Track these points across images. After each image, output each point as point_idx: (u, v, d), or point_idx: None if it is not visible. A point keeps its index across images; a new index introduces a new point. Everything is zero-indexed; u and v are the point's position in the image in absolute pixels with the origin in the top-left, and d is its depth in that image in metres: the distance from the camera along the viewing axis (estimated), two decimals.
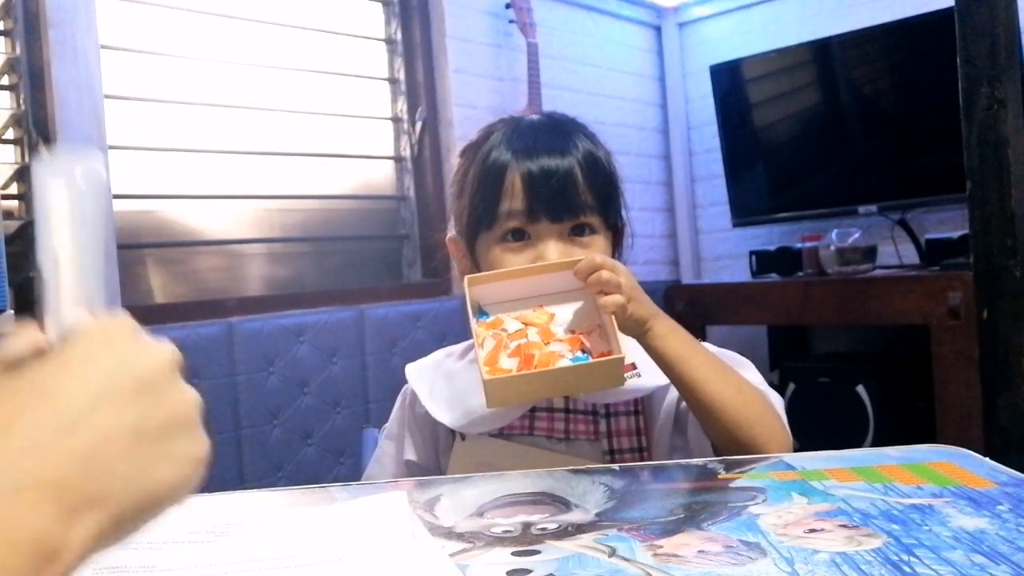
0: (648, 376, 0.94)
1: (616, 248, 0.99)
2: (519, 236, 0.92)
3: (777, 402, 0.92)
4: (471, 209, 0.95)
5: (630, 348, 0.97)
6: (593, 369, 0.81)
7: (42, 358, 0.34)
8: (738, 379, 0.88)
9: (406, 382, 1.03)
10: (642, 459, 0.94)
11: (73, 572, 0.30)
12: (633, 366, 0.95)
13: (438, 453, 1.00)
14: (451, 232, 1.01)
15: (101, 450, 0.31)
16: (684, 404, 0.93)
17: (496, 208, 0.92)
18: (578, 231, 0.93)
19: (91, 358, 0.33)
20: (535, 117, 1.00)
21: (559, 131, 0.96)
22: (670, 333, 0.87)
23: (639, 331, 0.86)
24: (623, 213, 1.00)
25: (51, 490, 0.29)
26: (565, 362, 0.82)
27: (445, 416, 0.96)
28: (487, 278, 0.90)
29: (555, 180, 0.91)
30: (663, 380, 0.93)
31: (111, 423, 0.32)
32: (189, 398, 0.36)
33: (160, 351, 0.36)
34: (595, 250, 0.93)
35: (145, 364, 0.35)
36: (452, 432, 0.97)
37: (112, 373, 0.33)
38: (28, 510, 0.28)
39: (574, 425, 0.95)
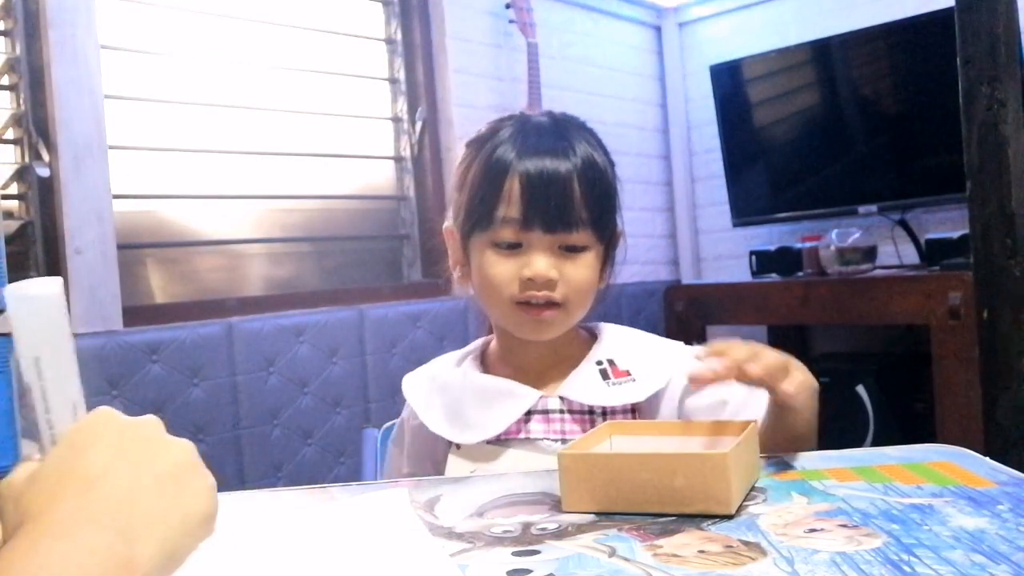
0: (643, 383, 0.94)
1: (607, 260, 0.99)
2: (512, 244, 0.92)
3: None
4: (469, 207, 0.95)
5: (624, 353, 0.97)
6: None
7: (56, 448, 0.44)
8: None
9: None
10: None
11: None
12: (628, 372, 0.95)
13: (435, 464, 1.00)
14: (448, 222, 1.01)
15: (132, 493, 0.41)
16: (685, 407, 0.93)
17: (493, 212, 0.92)
18: (569, 249, 0.92)
19: (97, 437, 0.43)
20: (543, 119, 0.98)
21: (563, 136, 0.94)
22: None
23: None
24: (619, 221, 0.99)
25: (106, 521, 0.39)
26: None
27: (443, 428, 0.96)
28: (630, 428, 0.83)
29: (552, 189, 0.90)
30: (658, 386, 0.93)
31: (131, 473, 0.42)
32: (184, 445, 0.45)
33: (146, 420, 0.46)
34: (583, 267, 0.92)
35: (139, 431, 0.45)
36: (450, 443, 0.97)
37: (117, 442, 0.43)
38: (96, 535, 0.39)
39: (571, 426, 0.94)
